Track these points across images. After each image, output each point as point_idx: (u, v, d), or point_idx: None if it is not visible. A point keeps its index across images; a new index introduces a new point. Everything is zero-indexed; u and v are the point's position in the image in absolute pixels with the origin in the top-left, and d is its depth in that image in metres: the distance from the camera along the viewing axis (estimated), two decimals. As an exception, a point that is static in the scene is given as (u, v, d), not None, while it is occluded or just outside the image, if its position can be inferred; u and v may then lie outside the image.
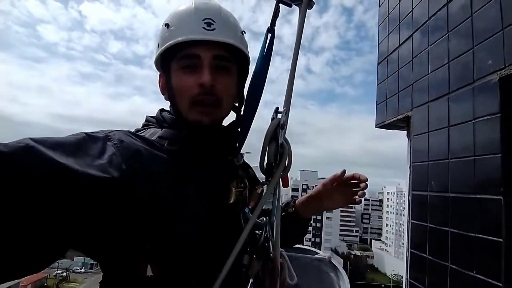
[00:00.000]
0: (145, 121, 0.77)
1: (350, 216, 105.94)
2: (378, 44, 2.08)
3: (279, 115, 0.69)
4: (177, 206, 0.63)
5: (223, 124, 0.77)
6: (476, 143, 1.16)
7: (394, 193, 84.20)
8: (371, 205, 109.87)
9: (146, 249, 0.59)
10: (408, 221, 1.60)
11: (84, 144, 0.58)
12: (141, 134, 0.71)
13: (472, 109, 1.19)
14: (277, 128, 0.67)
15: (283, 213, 0.93)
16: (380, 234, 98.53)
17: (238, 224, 0.69)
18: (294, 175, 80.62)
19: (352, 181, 0.92)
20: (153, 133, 0.72)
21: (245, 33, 0.77)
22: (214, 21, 0.69)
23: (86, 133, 0.60)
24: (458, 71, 1.29)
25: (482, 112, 1.14)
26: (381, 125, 1.97)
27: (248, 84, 0.77)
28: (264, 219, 0.70)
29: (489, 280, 1.07)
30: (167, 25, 0.70)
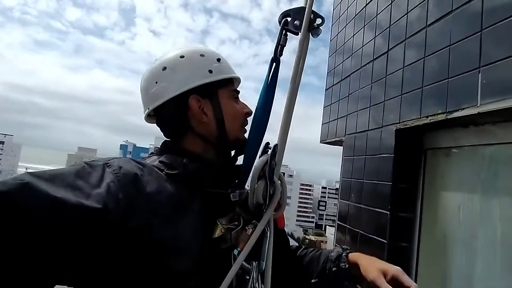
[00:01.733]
0: (152, 151, 0.83)
1: (307, 203, 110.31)
2: (328, 72, 2.49)
3: (269, 151, 0.67)
4: (169, 238, 0.62)
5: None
6: (379, 171, 1.61)
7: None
8: (328, 193, 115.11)
9: (127, 281, 0.60)
10: (336, 223, 2.06)
11: (83, 173, 0.59)
12: (145, 160, 0.74)
13: (379, 146, 1.64)
14: (265, 165, 0.66)
15: (334, 268, 0.84)
16: (334, 221, 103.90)
17: (227, 265, 0.63)
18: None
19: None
20: (155, 159, 0.75)
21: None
22: None
23: (86, 162, 0.63)
24: (375, 115, 1.72)
25: (384, 150, 1.59)
26: (323, 141, 2.41)
27: (252, 117, 0.80)
28: (254, 263, 0.65)
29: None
30: (219, 59, 0.81)
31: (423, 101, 1.35)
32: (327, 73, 2.48)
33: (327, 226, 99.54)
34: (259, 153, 0.70)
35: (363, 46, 1.94)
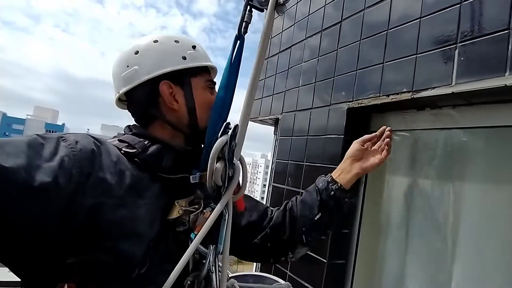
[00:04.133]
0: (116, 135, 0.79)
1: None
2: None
3: (229, 131, 0.66)
4: (123, 221, 0.60)
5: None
6: (324, 154, 1.47)
7: (250, 164, 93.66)
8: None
9: (68, 264, 0.57)
10: (266, 208, 1.89)
11: (34, 144, 0.57)
12: (105, 139, 0.71)
13: (326, 126, 1.49)
14: (225, 146, 0.65)
15: (332, 193, 0.88)
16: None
17: (183, 248, 0.62)
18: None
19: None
20: (115, 139, 0.75)
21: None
22: None
23: (38, 134, 0.60)
24: (321, 92, 1.57)
25: (332, 131, 1.45)
26: (253, 119, 2.18)
27: (215, 98, 0.78)
28: (210, 247, 0.64)
29: (318, 258, 1.42)
30: (194, 47, 0.79)
31: (383, 78, 1.23)
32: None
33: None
34: (219, 133, 0.67)
35: (309, 15, 1.75)
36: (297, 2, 1.87)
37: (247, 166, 0.74)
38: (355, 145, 0.97)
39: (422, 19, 1.11)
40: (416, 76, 1.10)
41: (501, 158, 1.01)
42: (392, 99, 1.18)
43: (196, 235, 0.62)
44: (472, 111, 1.05)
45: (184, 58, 0.76)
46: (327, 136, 1.47)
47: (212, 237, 0.64)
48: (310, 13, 1.75)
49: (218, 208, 0.64)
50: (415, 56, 1.11)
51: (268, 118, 2.02)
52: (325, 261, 1.37)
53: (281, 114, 1.87)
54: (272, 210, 0.96)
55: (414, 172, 1.27)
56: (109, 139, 0.74)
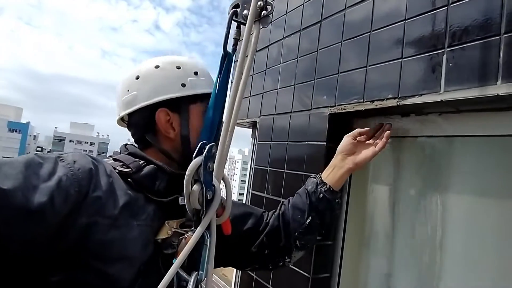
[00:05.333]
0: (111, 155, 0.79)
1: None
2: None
3: (204, 152, 0.63)
4: (114, 242, 0.60)
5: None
6: (306, 161, 1.40)
7: (239, 161, 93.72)
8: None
9: (52, 282, 0.55)
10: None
11: (33, 164, 0.57)
12: (100, 159, 0.71)
13: (306, 131, 1.41)
14: (199, 168, 0.62)
15: (320, 195, 0.90)
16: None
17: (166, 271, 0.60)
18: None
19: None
20: (111, 158, 0.75)
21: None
22: None
23: (36, 154, 0.60)
24: (301, 95, 1.48)
25: (313, 137, 1.37)
26: (231, 122, 2.07)
27: (205, 115, 0.77)
28: (193, 273, 0.61)
29: (300, 271, 1.35)
30: (196, 73, 0.79)
31: (367, 82, 1.16)
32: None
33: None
34: (194, 154, 0.64)
35: (287, 13, 1.65)
36: (273, 0, 1.77)
37: (231, 188, 0.74)
38: (346, 139, 0.98)
39: (407, 21, 1.05)
40: (402, 81, 1.04)
41: (490, 168, 0.97)
42: (377, 105, 1.12)
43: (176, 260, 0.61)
44: (460, 119, 1.00)
45: (184, 85, 0.76)
46: (308, 142, 1.40)
47: (194, 263, 0.62)
48: (287, 11, 1.65)
49: (197, 233, 0.61)
50: (400, 60, 1.05)
51: (246, 121, 1.92)
52: (309, 276, 1.30)
53: (259, 117, 1.77)
54: (268, 215, 0.96)
55: (399, 181, 1.22)
56: (105, 159, 0.75)
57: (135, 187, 0.68)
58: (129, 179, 0.68)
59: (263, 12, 0.71)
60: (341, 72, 1.28)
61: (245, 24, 0.70)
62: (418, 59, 1.00)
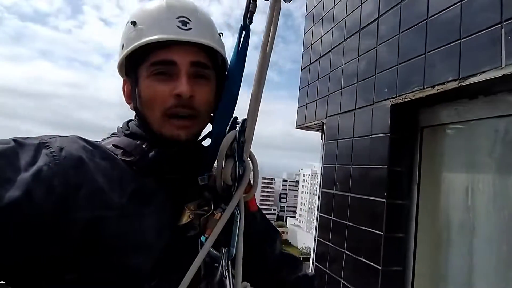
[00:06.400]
0: (114, 131, 0.70)
1: (269, 196, 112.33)
2: (303, 50, 2.27)
3: (238, 127, 0.60)
4: (128, 233, 0.54)
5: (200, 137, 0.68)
6: (371, 155, 1.42)
7: (309, 175, 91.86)
8: (289, 185, 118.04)
9: (68, 280, 0.50)
10: (317, 215, 1.86)
11: (9, 153, 0.49)
12: (99, 141, 0.63)
13: (370, 125, 1.44)
14: (233, 143, 0.59)
15: None
16: (295, 212, 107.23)
17: (195, 255, 0.57)
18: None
19: None
20: (111, 141, 0.63)
21: (222, 34, 0.70)
22: (190, 20, 0.62)
23: (15, 140, 0.51)
24: (364, 91, 1.53)
25: (377, 130, 1.39)
26: (300, 126, 2.19)
27: (224, 91, 0.67)
28: (223, 250, 0.59)
29: (375, 231, 1.36)
30: (133, 22, 0.62)
31: (426, 69, 1.16)
32: (303, 51, 2.26)
33: (288, 218, 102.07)
34: (227, 129, 0.60)
35: (346, 16, 1.73)
36: (334, 6, 1.87)
37: (258, 165, 0.67)
38: None
39: (462, 2, 1.04)
40: (462, 62, 1.02)
41: None
42: (438, 89, 1.11)
43: (206, 238, 0.58)
44: (533, 94, 0.94)
45: (122, 46, 0.64)
46: (372, 136, 1.42)
47: (224, 240, 0.59)
48: (347, 14, 1.73)
49: (229, 208, 0.59)
50: (459, 41, 1.04)
51: (314, 124, 2.02)
52: (379, 267, 1.30)
53: (325, 118, 1.86)
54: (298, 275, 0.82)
55: (473, 167, 1.16)
56: (103, 141, 0.65)
57: (143, 172, 0.60)
58: (134, 167, 0.59)
59: None
60: (400, 63, 1.30)
61: None
62: (476, 38, 0.98)
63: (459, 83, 1.03)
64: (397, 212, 1.33)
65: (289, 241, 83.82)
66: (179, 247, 0.59)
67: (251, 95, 0.62)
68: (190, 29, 0.61)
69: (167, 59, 0.60)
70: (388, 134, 1.32)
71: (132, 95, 0.65)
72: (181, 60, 0.60)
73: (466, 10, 1.03)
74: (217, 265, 0.59)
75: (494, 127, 1.08)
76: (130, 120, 0.69)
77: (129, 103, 0.68)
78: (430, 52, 1.15)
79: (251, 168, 0.63)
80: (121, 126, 0.69)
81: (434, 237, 1.28)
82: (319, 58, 2.00)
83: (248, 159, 0.63)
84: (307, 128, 2.16)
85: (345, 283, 1.51)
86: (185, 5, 0.64)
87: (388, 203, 1.31)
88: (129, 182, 0.57)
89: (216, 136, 0.64)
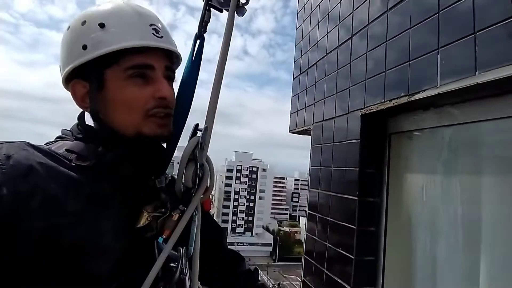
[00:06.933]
0: (60, 135, 0.68)
1: (281, 196, 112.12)
2: (295, 61, 2.47)
3: (199, 133, 0.65)
4: (84, 239, 0.53)
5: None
6: (347, 158, 1.61)
7: None
8: (301, 184, 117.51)
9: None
10: (307, 212, 2.06)
11: None
12: (48, 146, 0.61)
13: (346, 132, 1.64)
14: (196, 148, 0.63)
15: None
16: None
17: (151, 255, 0.60)
18: (229, 156, 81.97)
19: None
20: (61, 146, 0.61)
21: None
22: (160, 28, 0.65)
23: None
24: (341, 102, 1.72)
25: (351, 136, 1.59)
26: (292, 131, 2.39)
27: (176, 95, 0.69)
28: (181, 249, 0.62)
29: (349, 225, 1.55)
30: (101, 25, 0.60)
31: (386, 85, 1.35)
32: (294, 63, 2.46)
33: (300, 217, 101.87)
34: (189, 135, 0.65)
35: (327, 34, 1.93)
36: (310, 31, 2.07)
37: (213, 168, 0.70)
38: None
39: (411, 29, 1.23)
40: (410, 81, 1.21)
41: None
42: (394, 103, 1.30)
43: (164, 239, 0.60)
44: (466, 108, 1.12)
45: (85, 47, 0.60)
46: (347, 141, 1.62)
47: (180, 239, 0.61)
48: (328, 32, 1.92)
49: (189, 209, 0.62)
50: (408, 63, 1.23)
51: (303, 129, 2.21)
52: (353, 257, 1.49)
53: (312, 124, 2.05)
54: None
55: (427, 169, 1.34)
56: (54, 144, 0.63)
57: (98, 176, 0.59)
58: (90, 171, 0.58)
59: (240, 2, 0.70)
60: (367, 79, 1.49)
61: (219, 10, 0.71)
62: (418, 61, 1.17)
63: (408, 98, 1.21)
64: (369, 208, 1.52)
65: (302, 240, 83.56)
66: (137, 249, 0.60)
67: (209, 103, 0.67)
68: (162, 37, 0.65)
69: (147, 63, 0.62)
70: (359, 140, 1.52)
71: (91, 98, 0.63)
72: (158, 64, 0.64)
73: (414, 37, 1.21)
74: (174, 264, 0.61)
75: (441, 135, 1.26)
76: (79, 123, 0.67)
77: (84, 107, 0.65)
78: (389, 71, 1.34)
79: (209, 171, 0.67)
80: (67, 129, 0.68)
81: (401, 229, 1.46)
82: (307, 69, 2.20)
83: (206, 162, 0.67)
84: (298, 132, 2.35)
85: (327, 272, 1.71)
86: (152, 14, 0.67)
87: (360, 201, 1.50)
88: (84, 187, 0.56)
89: (173, 140, 0.69)
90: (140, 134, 0.63)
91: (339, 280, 1.57)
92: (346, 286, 1.50)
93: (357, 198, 1.51)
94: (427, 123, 1.31)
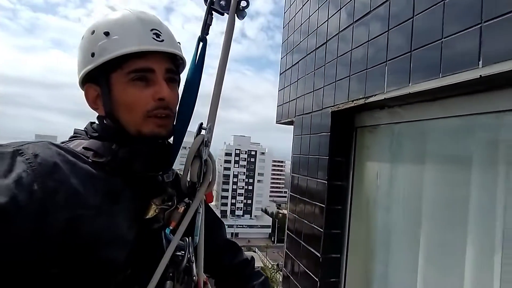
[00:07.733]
0: (73, 134, 0.73)
1: (280, 179, 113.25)
2: (281, 58, 2.70)
3: (203, 132, 0.69)
4: (103, 230, 0.59)
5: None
6: (320, 148, 1.89)
7: None
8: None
9: (52, 275, 0.55)
10: (289, 194, 2.36)
11: None
12: (67, 145, 0.66)
13: (320, 126, 1.90)
14: (201, 145, 0.67)
15: None
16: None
17: (159, 245, 0.65)
18: (227, 140, 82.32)
19: None
20: (78, 144, 0.67)
21: (180, 43, 0.78)
22: (161, 32, 0.69)
23: None
24: (316, 99, 1.98)
25: (323, 130, 1.86)
26: (279, 122, 2.65)
27: (180, 96, 0.74)
28: (187, 239, 0.67)
29: (320, 204, 1.85)
30: (106, 33, 0.65)
31: (350, 87, 1.61)
32: (281, 59, 2.69)
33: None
34: (195, 133, 0.71)
35: (308, 36, 2.16)
36: (293, 33, 2.29)
37: (215, 163, 0.76)
38: None
39: (369, 42, 1.47)
40: (367, 86, 1.47)
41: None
42: (355, 103, 1.56)
43: (170, 230, 0.65)
44: (409, 109, 1.38)
45: (93, 55, 0.66)
46: (321, 134, 1.89)
47: (187, 230, 0.67)
48: (309, 34, 2.15)
49: (195, 202, 0.67)
50: (365, 71, 1.48)
51: (287, 121, 2.48)
52: (322, 230, 1.79)
53: (294, 117, 2.32)
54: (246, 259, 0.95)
55: (380, 158, 1.62)
56: (71, 143, 0.68)
57: (112, 172, 0.64)
58: (106, 168, 0.64)
59: (240, 5, 0.74)
60: (337, 80, 1.74)
61: (220, 13, 0.74)
62: (373, 69, 1.42)
63: (365, 100, 1.48)
64: (337, 190, 1.81)
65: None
66: (145, 238, 0.66)
67: (211, 103, 0.71)
68: (163, 40, 0.68)
69: (146, 67, 0.66)
70: (329, 133, 1.79)
71: (104, 100, 0.68)
72: (158, 67, 0.68)
73: (371, 49, 1.46)
74: (181, 253, 0.66)
75: (391, 130, 1.53)
76: (93, 123, 0.73)
77: (96, 108, 0.71)
78: (352, 76, 1.59)
79: (212, 166, 0.73)
80: (81, 129, 0.73)
81: (363, 208, 1.75)
82: (290, 67, 2.44)
83: (209, 158, 0.73)
84: (284, 123, 2.62)
85: (303, 244, 2.02)
86: (154, 19, 0.71)
87: (329, 184, 1.79)
88: (101, 181, 0.62)
89: (176, 139, 0.73)
90: (140, 133, 0.68)
91: (311, 249, 1.88)
92: (317, 253, 1.81)
93: (327, 182, 1.79)
94: (383, 120, 1.58)
